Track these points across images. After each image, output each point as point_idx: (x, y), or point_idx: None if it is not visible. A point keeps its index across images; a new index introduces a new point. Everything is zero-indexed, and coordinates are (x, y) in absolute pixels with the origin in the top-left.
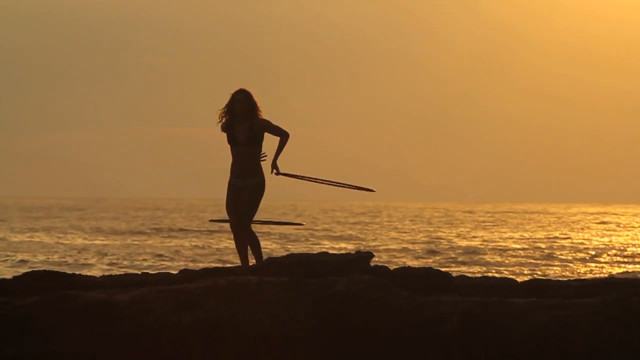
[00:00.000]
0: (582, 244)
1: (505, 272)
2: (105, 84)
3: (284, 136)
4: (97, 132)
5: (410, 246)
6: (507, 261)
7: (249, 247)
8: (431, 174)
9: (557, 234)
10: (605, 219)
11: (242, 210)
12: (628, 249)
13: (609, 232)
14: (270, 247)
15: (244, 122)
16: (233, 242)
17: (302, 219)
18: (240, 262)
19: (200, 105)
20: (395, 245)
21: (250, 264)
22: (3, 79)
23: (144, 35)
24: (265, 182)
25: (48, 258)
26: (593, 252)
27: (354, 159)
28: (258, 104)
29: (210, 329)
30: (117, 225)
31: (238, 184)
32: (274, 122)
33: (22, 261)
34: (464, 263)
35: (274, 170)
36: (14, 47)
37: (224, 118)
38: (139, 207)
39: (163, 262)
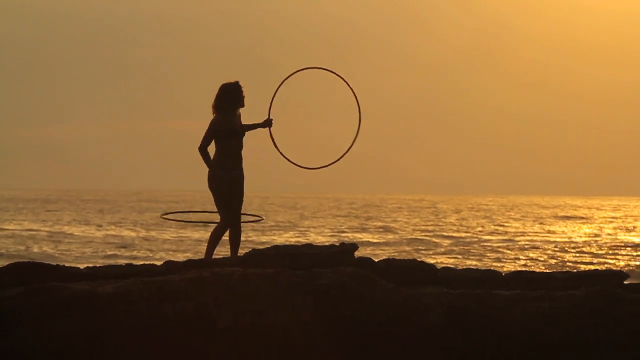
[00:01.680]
0: (568, 236)
1: (490, 264)
2: (101, 78)
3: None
4: (94, 125)
5: (396, 237)
6: (492, 253)
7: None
8: (426, 167)
9: (545, 226)
10: (593, 212)
11: (240, 201)
12: (613, 242)
13: (595, 225)
14: (253, 238)
15: (237, 113)
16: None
17: (282, 211)
18: (206, 255)
19: (200, 99)
20: (380, 237)
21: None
22: None
23: (141, 29)
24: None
25: (35, 249)
26: (578, 244)
27: (350, 152)
28: None
29: (194, 321)
30: (103, 217)
31: (239, 176)
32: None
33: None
34: (448, 254)
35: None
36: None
37: (230, 108)
38: (128, 200)
39: (147, 254)
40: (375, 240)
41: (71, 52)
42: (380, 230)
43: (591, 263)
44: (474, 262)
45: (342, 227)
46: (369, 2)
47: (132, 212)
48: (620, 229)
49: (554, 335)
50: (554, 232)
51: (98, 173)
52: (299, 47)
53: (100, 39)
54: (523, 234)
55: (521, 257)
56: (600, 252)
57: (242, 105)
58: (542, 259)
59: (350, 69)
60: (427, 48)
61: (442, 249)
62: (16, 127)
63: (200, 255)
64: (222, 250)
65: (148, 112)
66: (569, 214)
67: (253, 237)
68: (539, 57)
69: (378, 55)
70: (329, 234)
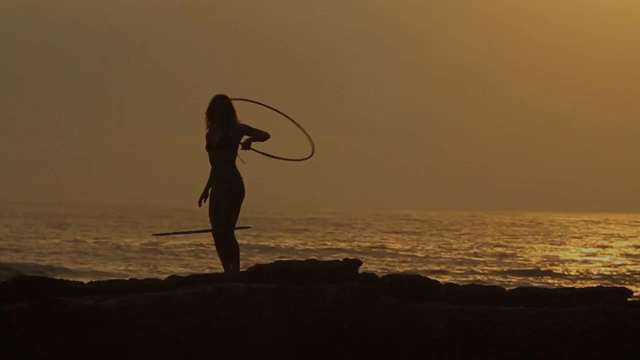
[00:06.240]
0: (573, 252)
1: (493, 280)
2: (98, 92)
3: (264, 136)
4: (91, 140)
5: (400, 253)
6: (496, 269)
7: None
8: (431, 180)
9: (546, 242)
10: (600, 227)
11: (220, 217)
12: (618, 258)
13: (600, 241)
14: (257, 253)
15: (220, 127)
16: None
17: (283, 226)
18: (223, 268)
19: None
20: (385, 252)
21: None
22: None
23: (136, 44)
24: (243, 188)
25: (36, 261)
26: (583, 261)
27: (353, 165)
28: (235, 110)
29: (197, 336)
30: (94, 231)
31: (215, 190)
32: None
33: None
34: (452, 271)
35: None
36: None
37: (210, 124)
38: (119, 215)
39: (152, 268)
40: (379, 255)
41: (76, 61)
42: (384, 245)
43: (595, 280)
44: (477, 278)
45: (345, 242)
46: (377, 13)
47: (129, 226)
48: (625, 245)
49: (556, 351)
50: (559, 248)
51: (91, 187)
52: (308, 60)
53: (98, 53)
54: (528, 249)
55: (526, 273)
56: (603, 269)
57: (214, 119)
58: (546, 275)
59: (348, 82)
60: (437, 57)
61: (446, 265)
62: (21, 138)
63: (204, 270)
64: (213, 262)
65: (145, 126)
66: (576, 230)
67: (256, 252)
68: (556, 66)
69: (383, 66)
70: (332, 247)
